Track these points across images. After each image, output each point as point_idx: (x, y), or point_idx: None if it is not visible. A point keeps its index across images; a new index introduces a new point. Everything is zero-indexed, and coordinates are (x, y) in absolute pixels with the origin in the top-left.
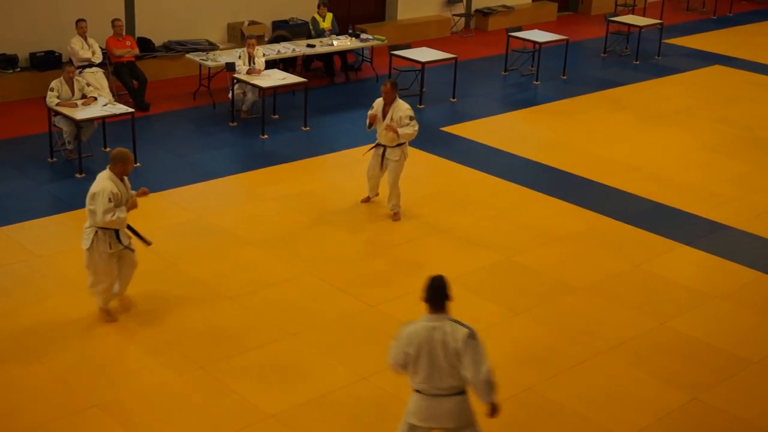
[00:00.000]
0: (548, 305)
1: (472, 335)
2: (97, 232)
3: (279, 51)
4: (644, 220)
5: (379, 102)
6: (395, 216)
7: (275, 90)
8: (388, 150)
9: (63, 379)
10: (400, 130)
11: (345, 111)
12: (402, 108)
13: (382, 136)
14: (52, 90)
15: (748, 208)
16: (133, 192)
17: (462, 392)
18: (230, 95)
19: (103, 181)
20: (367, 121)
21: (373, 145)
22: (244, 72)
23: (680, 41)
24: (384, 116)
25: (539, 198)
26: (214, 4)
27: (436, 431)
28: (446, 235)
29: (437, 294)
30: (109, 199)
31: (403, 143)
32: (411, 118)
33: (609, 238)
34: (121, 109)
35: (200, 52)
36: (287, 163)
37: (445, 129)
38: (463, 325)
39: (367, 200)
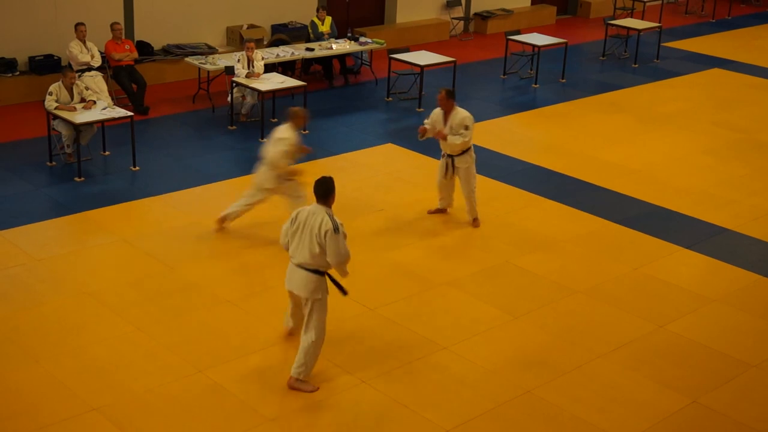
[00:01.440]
0: (548, 308)
1: (335, 230)
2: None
3: (278, 54)
4: (643, 223)
5: (437, 111)
6: (475, 222)
7: (274, 93)
8: (456, 158)
9: (62, 383)
10: (448, 138)
11: (344, 114)
12: (459, 116)
13: (445, 145)
14: (50, 94)
15: (746, 211)
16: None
17: (314, 271)
18: (229, 99)
19: (289, 131)
20: (418, 132)
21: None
22: (243, 75)
23: (679, 44)
24: (445, 124)
25: (538, 201)
26: (213, 8)
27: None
28: (445, 238)
29: (321, 191)
30: (286, 150)
31: (469, 149)
32: (466, 128)
33: (608, 241)
34: (121, 112)
35: (199, 56)
36: None
37: None
38: (333, 220)
39: (436, 212)
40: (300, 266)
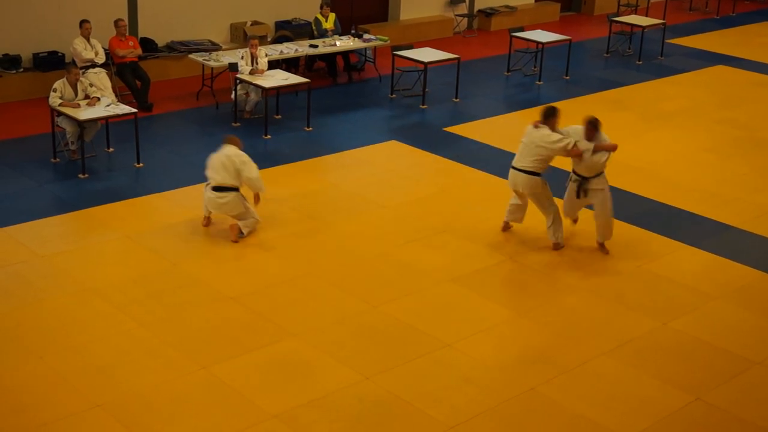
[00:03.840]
0: (551, 306)
1: (558, 140)
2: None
3: (282, 51)
4: (646, 220)
5: (578, 129)
6: (603, 248)
7: (278, 90)
8: (592, 180)
9: (65, 380)
10: (595, 156)
11: (348, 111)
12: (602, 136)
13: (582, 167)
14: (54, 91)
15: (749, 208)
16: None
17: (531, 173)
18: (233, 96)
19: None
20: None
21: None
22: (247, 72)
23: (683, 41)
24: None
25: None
26: (216, 5)
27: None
28: (448, 235)
29: (546, 113)
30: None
31: (603, 170)
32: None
33: (612, 238)
34: (124, 109)
35: (203, 53)
36: (290, 164)
37: (448, 129)
38: (558, 131)
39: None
40: (521, 170)
